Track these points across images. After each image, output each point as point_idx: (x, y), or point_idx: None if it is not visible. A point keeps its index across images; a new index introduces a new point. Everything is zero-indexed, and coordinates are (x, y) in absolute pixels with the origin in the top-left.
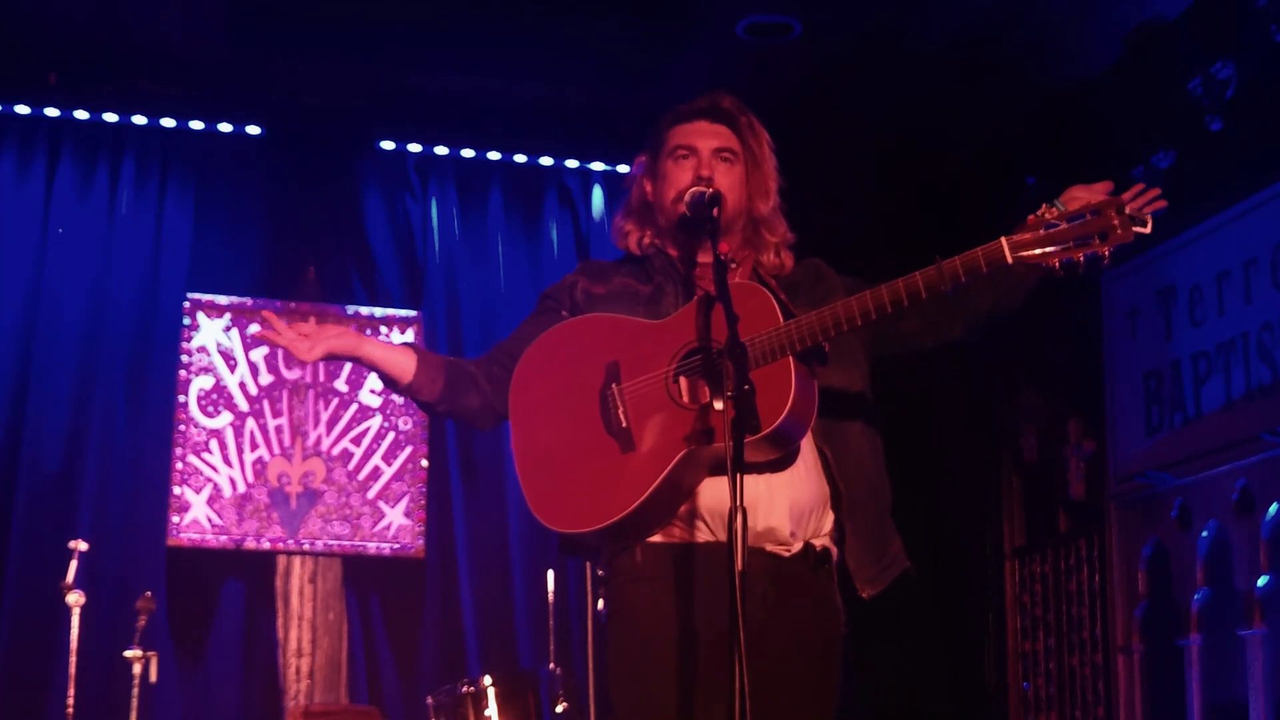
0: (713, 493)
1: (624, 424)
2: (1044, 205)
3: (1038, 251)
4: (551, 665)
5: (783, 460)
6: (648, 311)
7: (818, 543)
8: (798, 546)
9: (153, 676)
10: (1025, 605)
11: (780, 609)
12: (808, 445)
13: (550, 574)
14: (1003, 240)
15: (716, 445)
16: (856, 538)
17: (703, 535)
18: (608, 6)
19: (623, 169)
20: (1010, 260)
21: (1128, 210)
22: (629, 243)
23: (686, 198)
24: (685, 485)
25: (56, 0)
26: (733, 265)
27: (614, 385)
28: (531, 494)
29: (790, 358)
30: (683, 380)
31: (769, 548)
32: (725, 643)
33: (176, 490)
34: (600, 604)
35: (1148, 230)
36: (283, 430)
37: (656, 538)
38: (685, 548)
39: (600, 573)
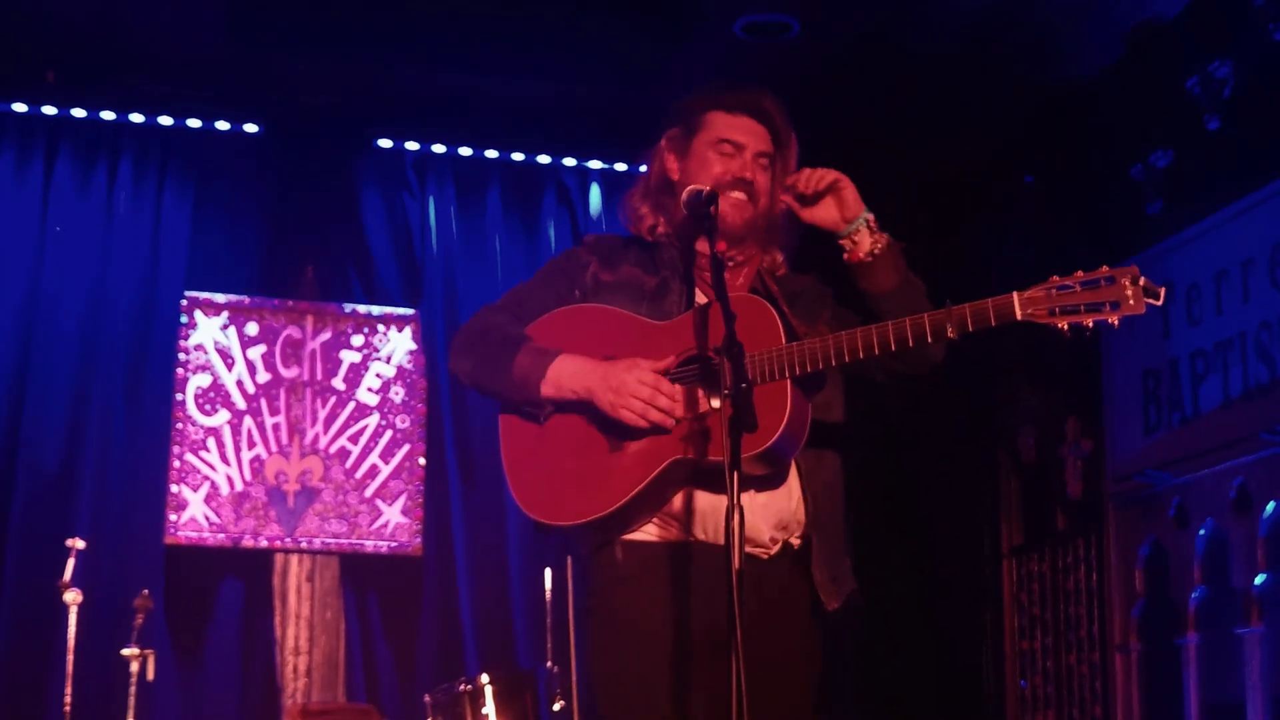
0: (697, 494)
1: (615, 423)
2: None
3: (1047, 311)
4: (549, 664)
5: (772, 478)
6: (651, 308)
7: (795, 541)
8: (775, 549)
9: (150, 675)
10: (1023, 604)
11: (762, 611)
12: None
13: (548, 572)
14: (1014, 296)
15: (705, 456)
16: (821, 550)
17: (686, 535)
18: (605, 5)
19: (620, 167)
20: (1020, 318)
21: (1142, 282)
22: (641, 228)
23: (685, 196)
24: (669, 491)
25: None
26: (731, 264)
27: None
28: (514, 479)
29: (788, 380)
30: (678, 388)
31: (747, 549)
32: (708, 643)
33: (174, 488)
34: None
35: (1159, 303)
36: (280, 428)
37: (637, 535)
38: (667, 547)
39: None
